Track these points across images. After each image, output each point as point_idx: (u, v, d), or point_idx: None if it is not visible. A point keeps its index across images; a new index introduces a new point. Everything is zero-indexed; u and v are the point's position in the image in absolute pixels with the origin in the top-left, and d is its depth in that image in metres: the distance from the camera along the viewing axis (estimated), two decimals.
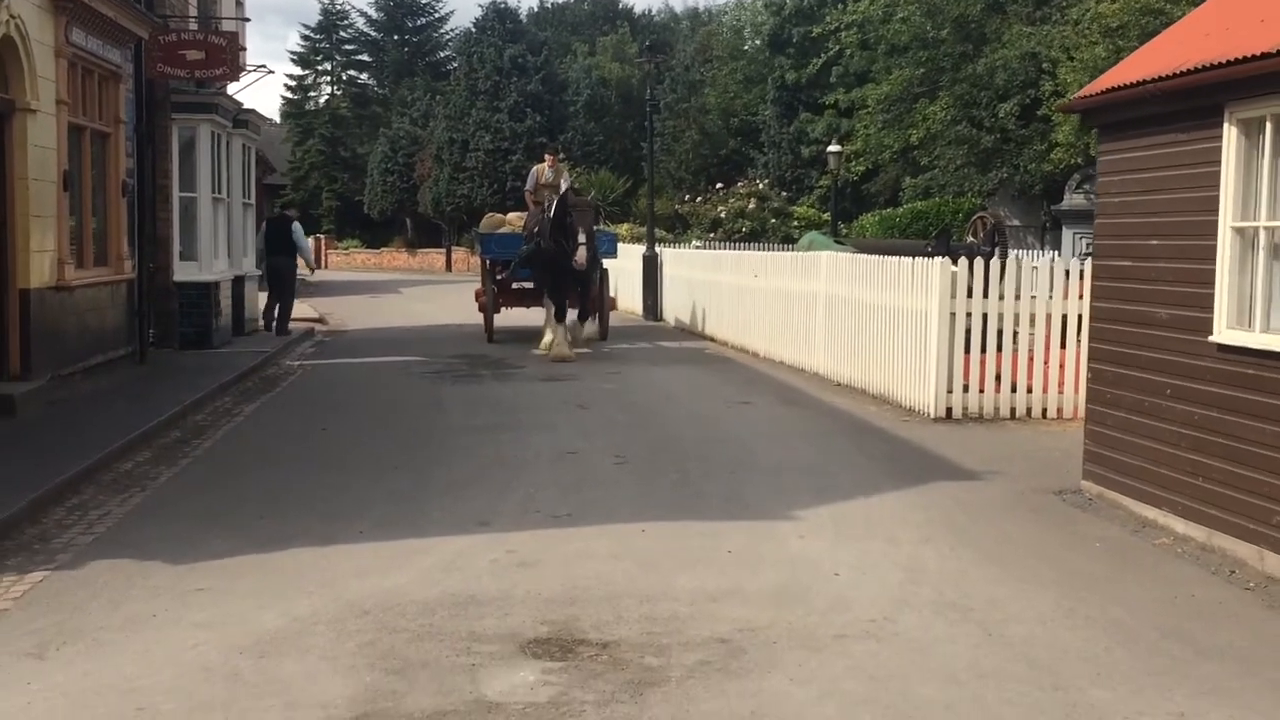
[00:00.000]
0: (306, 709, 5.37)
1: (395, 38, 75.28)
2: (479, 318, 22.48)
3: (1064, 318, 13.47)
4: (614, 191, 49.23)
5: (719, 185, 46.77)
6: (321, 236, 63.50)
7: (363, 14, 75.86)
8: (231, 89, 21.24)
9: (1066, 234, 28.05)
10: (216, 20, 20.63)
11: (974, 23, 34.13)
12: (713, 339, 22.37)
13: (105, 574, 7.41)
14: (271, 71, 22.19)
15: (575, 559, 7.77)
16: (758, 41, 54.09)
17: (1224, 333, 7.89)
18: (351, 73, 77.02)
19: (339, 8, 75.78)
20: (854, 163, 39.78)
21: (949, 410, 13.34)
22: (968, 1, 33.78)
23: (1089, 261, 10.87)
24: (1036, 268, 13.83)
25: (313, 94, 76.17)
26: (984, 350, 13.49)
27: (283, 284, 22.82)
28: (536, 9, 75.00)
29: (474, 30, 60.74)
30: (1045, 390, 13.52)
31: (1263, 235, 7.67)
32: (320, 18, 75.65)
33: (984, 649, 6.21)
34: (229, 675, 5.77)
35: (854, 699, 5.53)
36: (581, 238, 18.39)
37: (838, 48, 43.03)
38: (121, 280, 16.55)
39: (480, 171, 55.67)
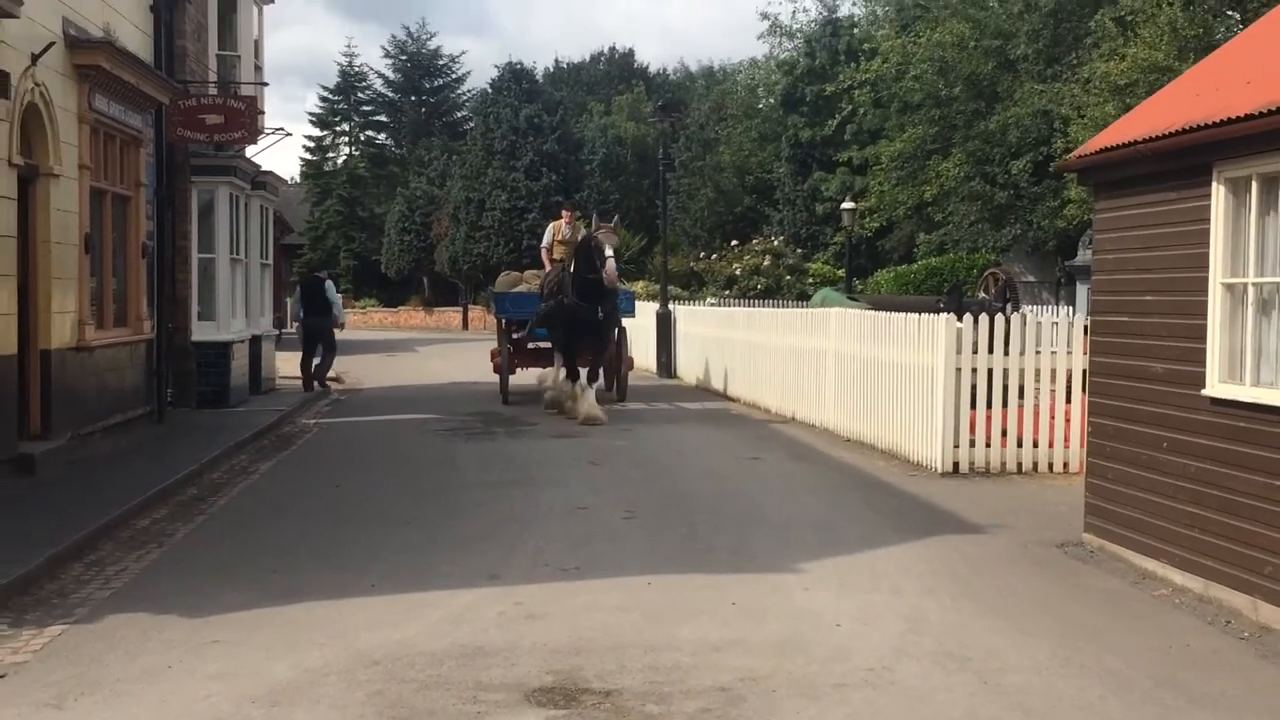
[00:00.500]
0: None
1: (413, 98, 76.16)
2: (494, 376, 22.06)
3: (1069, 373, 13.62)
4: (630, 249, 49.61)
5: (734, 242, 47.13)
6: (340, 296, 63.90)
7: (380, 75, 76.82)
8: (250, 151, 21.62)
9: (1080, 289, 28.22)
10: (236, 85, 21.04)
11: (986, 81, 34.55)
12: (725, 395, 22.54)
13: (122, 628, 7.59)
14: (289, 134, 22.57)
15: (582, 611, 7.92)
16: (771, 100, 54.62)
17: (1216, 386, 8.05)
18: (369, 133, 77.86)
19: (357, 69, 76.77)
20: (868, 219, 40.11)
21: (956, 465, 13.48)
22: (979, 60, 34.23)
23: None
24: (1040, 322, 14.00)
25: (331, 154, 77.00)
26: (990, 405, 13.64)
27: (323, 341, 23.76)
28: (552, 69, 75.90)
29: (490, 90, 61.45)
30: (1051, 445, 13.65)
31: (1251, 291, 7.85)
32: (339, 79, 76.63)
33: (980, 697, 6.33)
34: None
35: None
36: (609, 251, 17.78)
37: (851, 106, 43.53)
38: (140, 340, 16.83)
39: (496, 230, 56.11)
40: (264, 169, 22.53)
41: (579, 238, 19.73)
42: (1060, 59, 33.14)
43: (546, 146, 56.98)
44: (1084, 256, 29.07)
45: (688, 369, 26.50)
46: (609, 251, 17.75)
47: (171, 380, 18.56)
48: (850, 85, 41.42)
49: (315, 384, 23.42)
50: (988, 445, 13.61)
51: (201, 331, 19.69)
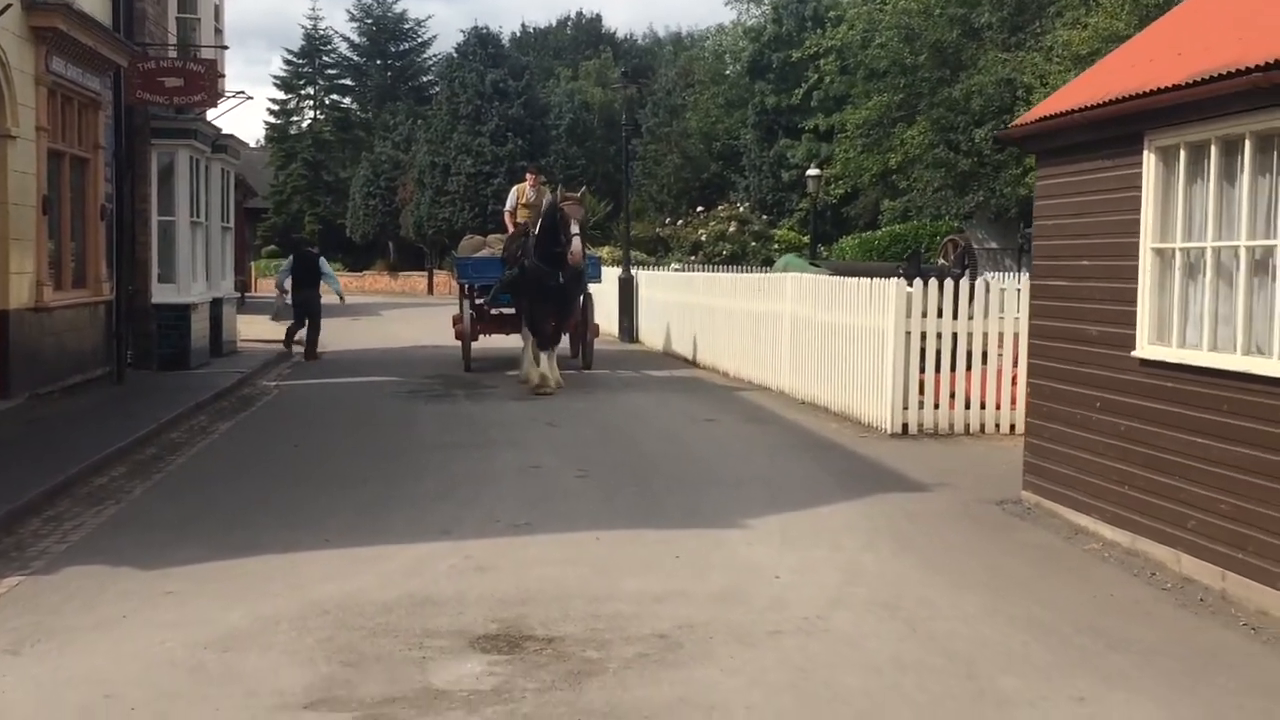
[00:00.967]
0: (265, 696, 5.73)
1: (378, 62, 75.85)
2: (458, 341, 21.59)
3: (1015, 337, 13.88)
4: (596, 215, 49.68)
5: (700, 209, 47.26)
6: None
7: (346, 39, 76.51)
8: (211, 115, 21.62)
9: None
10: (195, 48, 21.03)
11: (951, 48, 34.72)
12: (687, 360, 22.77)
13: (79, 579, 7.75)
14: (250, 97, 22.60)
15: (530, 564, 8.14)
16: (738, 67, 54.68)
17: (1145, 348, 8.32)
18: (334, 97, 77.53)
19: (322, 32, 76.40)
20: (833, 186, 40.30)
21: (905, 426, 13.76)
22: (945, 27, 34.39)
23: None
24: (990, 287, 14.23)
25: (295, 118, 76.66)
26: (938, 369, 13.91)
27: (313, 313, 23.86)
28: (519, 34, 75.77)
29: (456, 55, 61.30)
30: (999, 407, 13.94)
31: (1179, 256, 8.11)
32: (303, 42, 76.25)
33: (908, 643, 6.59)
34: (193, 668, 6.13)
35: (778, 686, 5.91)
36: (575, 228, 16.96)
37: (817, 75, 43.65)
38: (100, 302, 16.90)
39: (461, 195, 56.10)
40: (225, 132, 22.54)
41: (544, 202, 18.85)
42: (1024, 27, 33.38)
43: (512, 111, 56.94)
44: None
45: (650, 334, 26.72)
46: (575, 229, 17.02)
47: (131, 342, 18.65)
48: (816, 52, 41.49)
49: (305, 357, 23.35)
50: (936, 407, 13.90)
51: (162, 294, 19.76)
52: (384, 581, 7.69)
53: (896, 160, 35.69)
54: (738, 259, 40.71)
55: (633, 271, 28.99)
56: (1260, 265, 7.33)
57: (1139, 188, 8.35)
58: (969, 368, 14.03)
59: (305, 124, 76.28)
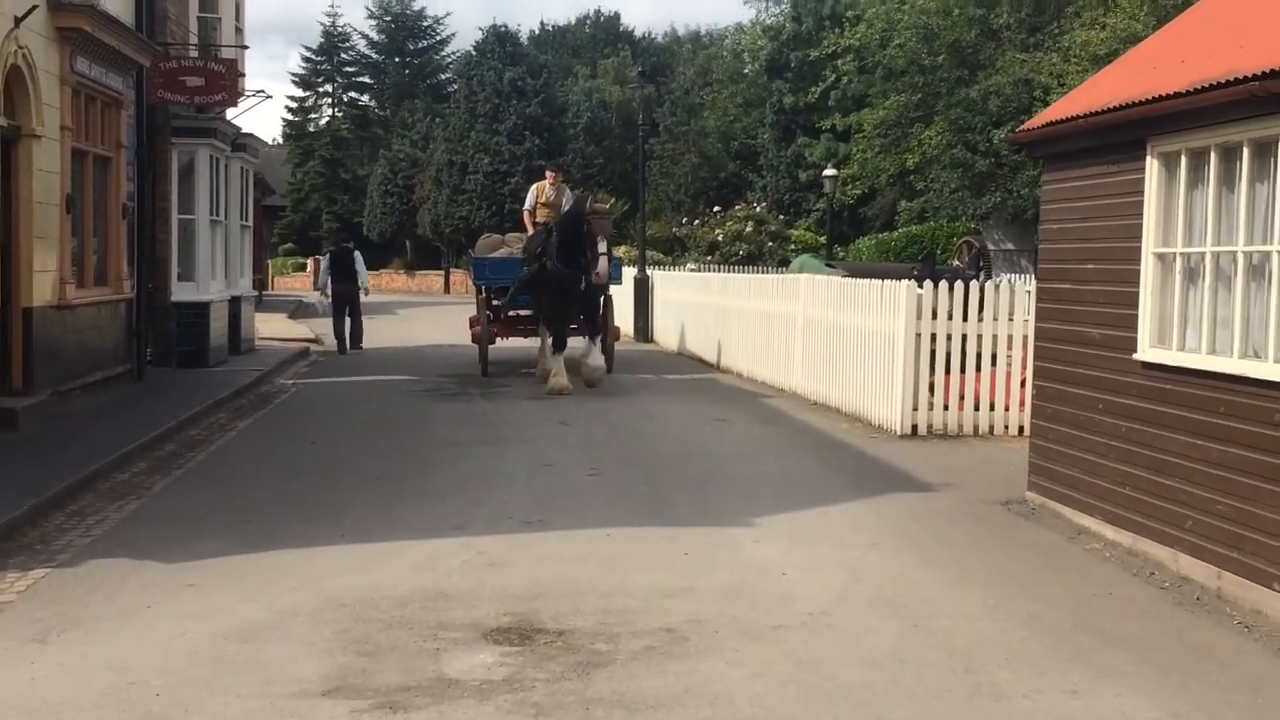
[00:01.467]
0: (283, 684, 5.93)
1: (396, 60, 76.16)
2: (474, 343, 20.97)
3: (1025, 339, 13.98)
4: (613, 214, 49.73)
5: (717, 208, 47.35)
6: (322, 258, 64.08)
7: (364, 36, 76.84)
8: (230, 113, 21.86)
9: None
10: (216, 48, 21.26)
11: (969, 49, 34.77)
12: (701, 360, 22.93)
13: (102, 572, 7.97)
14: (269, 97, 22.84)
15: (542, 560, 8.33)
16: (756, 65, 54.76)
17: (1147, 351, 8.47)
18: (352, 94, 77.89)
19: (340, 30, 76.74)
20: (850, 186, 40.36)
21: (914, 427, 13.90)
22: (963, 28, 34.45)
23: None
24: (1000, 289, 14.35)
25: (313, 115, 77.11)
26: (948, 371, 14.04)
27: (352, 306, 24.87)
28: (537, 32, 75.91)
29: (474, 53, 61.43)
30: (1007, 409, 14.07)
31: (1179, 260, 8.26)
32: (322, 39, 76.64)
33: (909, 638, 6.76)
34: (214, 657, 6.33)
35: (781, 679, 6.08)
36: (602, 247, 16.77)
37: (835, 74, 43.71)
38: (121, 300, 17.14)
39: (479, 194, 56.28)
40: (244, 131, 22.79)
41: (572, 201, 18.74)
42: (1042, 28, 33.41)
43: (530, 110, 57.07)
44: None
45: (665, 334, 26.88)
46: (603, 248, 16.83)
47: (151, 339, 18.89)
48: (834, 51, 41.56)
49: (350, 348, 24.56)
50: (945, 409, 14.04)
51: (181, 292, 20.00)
52: (399, 575, 7.89)
53: (914, 161, 35.75)
54: (754, 259, 40.77)
55: (648, 271, 29.14)
56: (1257, 270, 7.48)
57: (1141, 193, 8.50)
58: (979, 369, 14.17)
59: (323, 121, 76.71)
